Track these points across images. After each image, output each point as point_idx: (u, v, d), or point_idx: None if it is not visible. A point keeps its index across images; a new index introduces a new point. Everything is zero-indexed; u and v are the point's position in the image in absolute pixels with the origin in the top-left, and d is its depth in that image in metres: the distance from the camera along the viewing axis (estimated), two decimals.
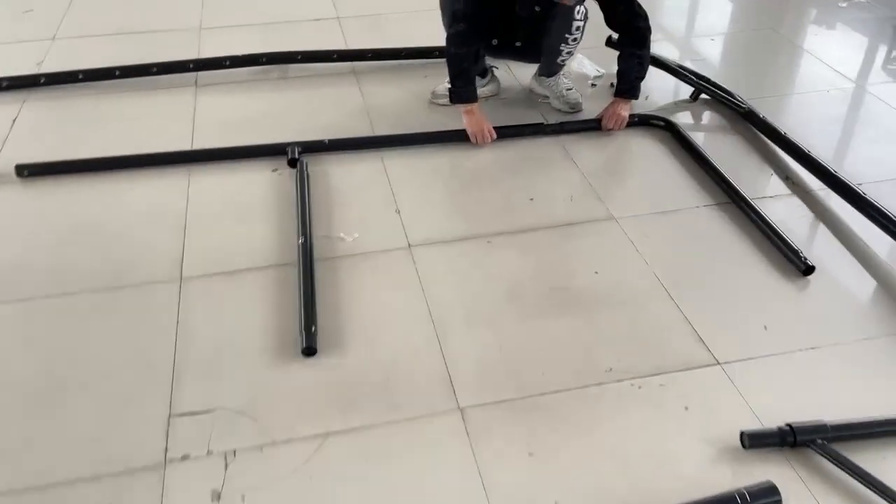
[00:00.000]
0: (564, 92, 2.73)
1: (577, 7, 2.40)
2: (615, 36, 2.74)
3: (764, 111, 2.65)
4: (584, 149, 2.54)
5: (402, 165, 2.45)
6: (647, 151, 2.54)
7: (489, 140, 2.53)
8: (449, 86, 2.57)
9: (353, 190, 2.34)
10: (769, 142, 2.54)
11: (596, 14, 2.52)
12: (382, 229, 2.16)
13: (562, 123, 2.63)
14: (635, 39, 2.53)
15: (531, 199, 2.29)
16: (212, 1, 3.68)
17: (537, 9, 2.41)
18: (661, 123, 2.64)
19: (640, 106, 2.71)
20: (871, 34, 3.39)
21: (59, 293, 1.94)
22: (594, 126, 2.63)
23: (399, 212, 2.24)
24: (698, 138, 2.56)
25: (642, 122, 2.66)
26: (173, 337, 1.80)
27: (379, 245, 2.10)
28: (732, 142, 2.59)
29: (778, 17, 3.61)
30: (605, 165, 2.49)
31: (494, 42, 2.58)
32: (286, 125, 2.66)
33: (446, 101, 2.73)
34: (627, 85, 2.58)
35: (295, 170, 2.38)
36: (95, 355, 1.76)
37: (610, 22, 2.53)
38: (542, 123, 2.63)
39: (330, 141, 2.53)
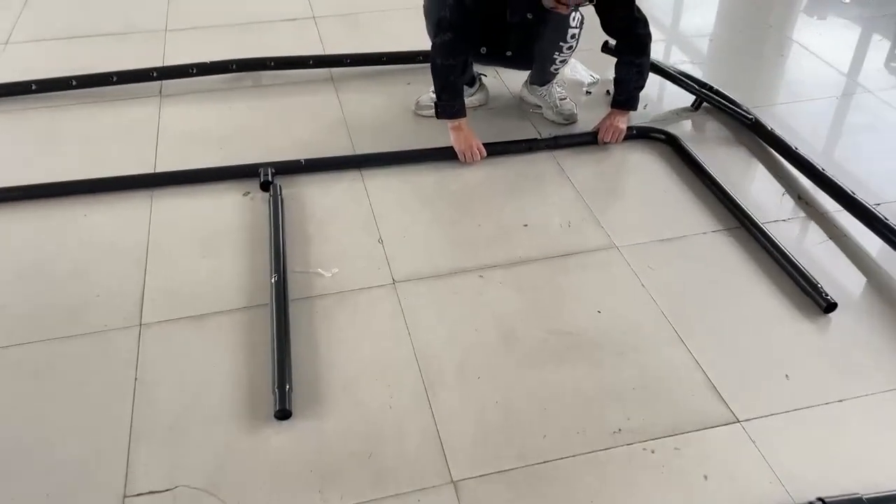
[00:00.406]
0: (558, 102, 2.55)
1: (573, 13, 2.21)
2: (612, 41, 2.55)
3: (771, 120, 2.48)
4: (580, 165, 2.36)
5: (385, 187, 2.26)
6: (648, 168, 2.36)
7: (479, 158, 2.35)
8: (434, 98, 2.37)
9: (332, 216, 2.15)
10: (778, 156, 2.36)
11: (592, 16, 2.32)
12: (364, 263, 1.97)
13: (556, 138, 2.45)
14: (634, 47, 2.34)
15: (525, 226, 2.11)
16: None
17: (529, 16, 2.22)
18: (662, 137, 2.46)
19: (639, 116, 2.53)
20: (881, 32, 3.21)
21: None
22: (590, 140, 2.45)
23: (382, 241, 2.05)
24: (702, 152, 2.37)
25: (641, 134, 2.48)
26: (130, 397, 1.61)
27: (361, 281, 1.91)
28: (738, 156, 2.41)
29: (779, 14, 3.44)
30: (604, 184, 2.31)
31: (483, 51, 2.39)
32: (259, 141, 2.46)
33: (431, 112, 2.53)
34: (625, 95, 2.40)
35: (268, 193, 2.17)
36: (39, 421, 1.56)
37: (607, 28, 2.34)
38: (535, 139, 2.45)
39: (306, 161, 2.33)
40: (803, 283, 1.86)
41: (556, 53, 2.35)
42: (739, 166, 2.36)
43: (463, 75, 2.33)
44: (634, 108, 2.43)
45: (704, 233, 2.08)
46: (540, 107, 2.60)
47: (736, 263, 1.97)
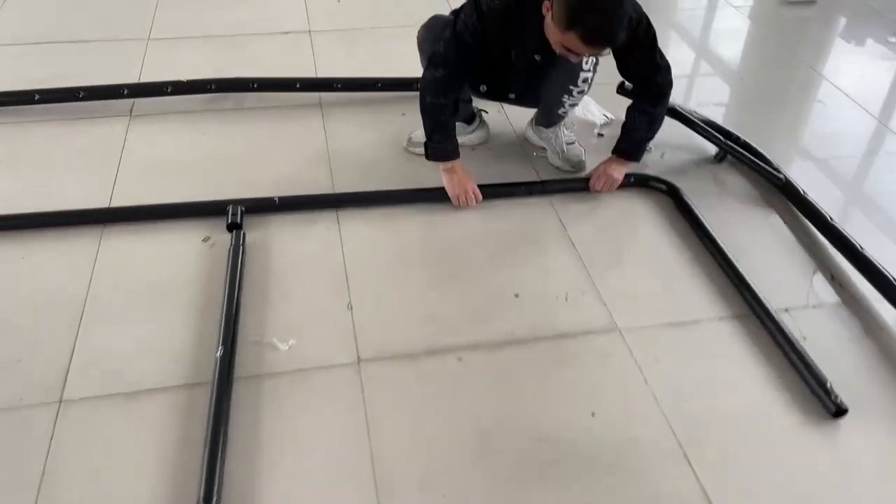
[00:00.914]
0: (565, 146, 2.28)
1: (586, 57, 1.95)
2: (629, 83, 2.28)
3: (805, 176, 2.22)
4: (580, 217, 2.12)
5: (363, 235, 2.01)
6: (653, 224, 2.10)
7: (473, 203, 2.09)
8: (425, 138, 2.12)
9: (300, 269, 1.90)
10: (811, 226, 2.09)
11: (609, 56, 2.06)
12: (328, 333, 1.73)
13: (543, 183, 2.22)
14: (651, 95, 2.08)
15: (516, 296, 1.86)
16: (167, 3, 3.21)
17: (537, 57, 1.96)
18: (663, 188, 2.21)
19: (653, 164, 2.26)
20: None
21: None
22: (582, 187, 2.20)
23: (351, 307, 1.80)
24: (719, 213, 2.12)
25: (640, 182, 2.23)
26: (33, 498, 1.37)
27: (320, 358, 1.67)
28: (765, 221, 2.14)
29: (818, 52, 3.15)
30: (605, 243, 2.05)
31: (483, 89, 2.13)
32: (232, 173, 2.22)
33: (423, 150, 2.28)
34: (630, 145, 2.14)
35: (231, 237, 1.93)
36: None
37: (624, 72, 2.08)
38: (521, 183, 2.21)
39: (280, 199, 2.08)
40: (815, 385, 1.61)
41: (566, 97, 2.09)
42: (765, 233, 2.09)
43: (455, 115, 2.08)
44: (637, 159, 2.17)
45: (720, 318, 1.81)
46: (545, 150, 2.34)
47: (751, 361, 1.71)
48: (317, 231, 2.03)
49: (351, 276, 1.89)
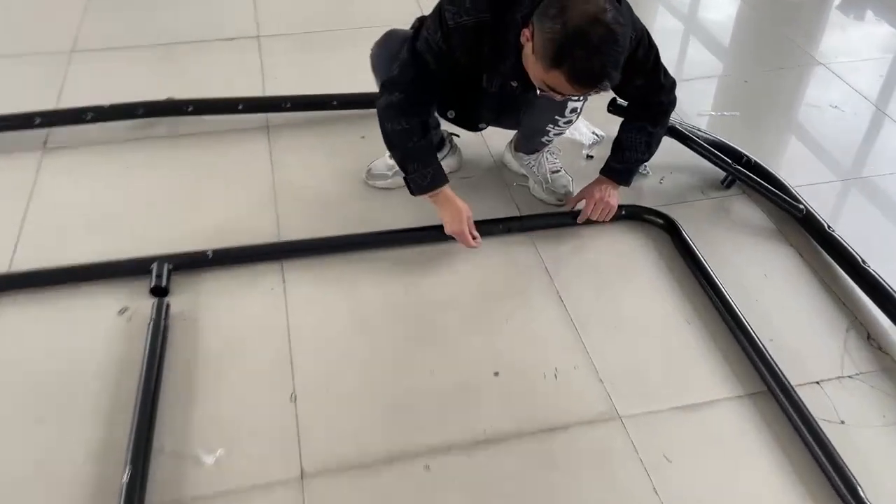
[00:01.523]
0: (549, 175, 1.96)
1: None
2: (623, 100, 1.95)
3: (828, 208, 1.91)
4: (566, 261, 1.82)
5: (314, 296, 1.70)
6: (649, 270, 1.80)
7: (475, 246, 1.78)
8: (400, 171, 1.80)
9: (234, 349, 1.58)
10: (839, 269, 1.79)
11: None
12: (265, 437, 1.42)
13: (522, 219, 1.91)
14: (652, 115, 1.76)
15: (496, 374, 1.55)
16: (97, 4, 2.84)
17: (514, 84, 1.62)
18: (660, 222, 1.90)
19: (651, 191, 1.95)
20: None
21: None
22: (568, 222, 1.89)
23: (295, 397, 1.49)
24: (727, 250, 1.82)
25: (632, 215, 1.92)
26: None
27: (254, 474, 1.36)
28: (781, 262, 1.84)
29: (830, 47, 2.82)
30: (597, 297, 1.74)
31: (451, 115, 1.80)
32: (159, 218, 1.90)
33: (386, 183, 1.97)
34: (623, 165, 1.83)
35: (152, 309, 1.61)
36: None
37: (622, 95, 1.76)
38: (508, 219, 1.90)
39: (215, 253, 1.76)
40: (844, 491, 1.31)
41: (550, 127, 1.78)
42: (783, 278, 1.79)
43: (427, 135, 1.74)
44: (628, 183, 1.86)
45: (737, 397, 1.51)
46: (527, 178, 2.02)
47: (773, 458, 1.41)
48: (258, 292, 1.70)
49: (297, 353, 1.57)
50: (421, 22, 1.64)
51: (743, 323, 1.61)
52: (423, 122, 1.71)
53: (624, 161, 1.82)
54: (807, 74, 2.62)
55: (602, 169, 1.87)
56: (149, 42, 2.62)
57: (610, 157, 1.85)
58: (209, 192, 1.99)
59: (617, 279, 1.78)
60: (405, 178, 1.75)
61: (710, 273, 1.73)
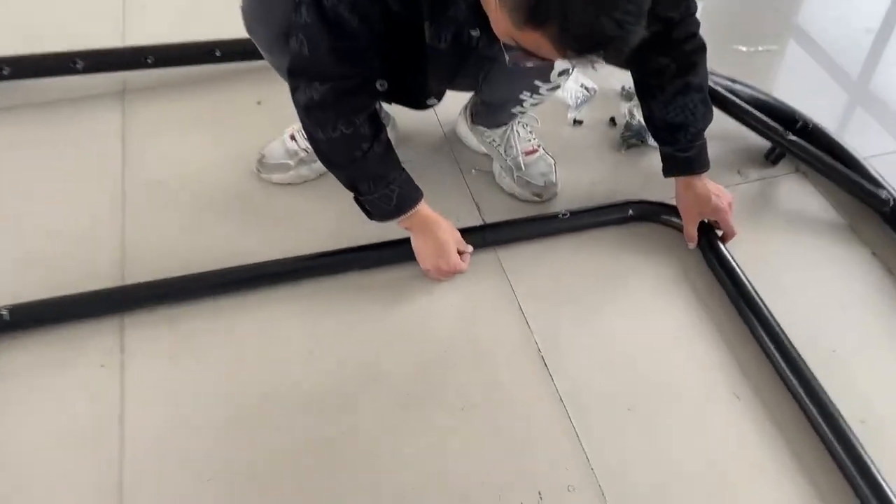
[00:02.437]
0: (521, 159, 1.35)
1: None
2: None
3: None
4: (549, 296, 1.23)
5: (169, 377, 1.11)
6: (672, 301, 1.23)
7: (464, 270, 1.23)
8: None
9: (31, 475, 0.99)
10: None
11: None
12: None
13: (485, 229, 1.31)
14: (686, 58, 1.16)
15: None
16: None
17: (474, 34, 1.00)
18: (681, 224, 1.30)
19: (662, 185, 1.34)
20: None
21: None
22: (555, 229, 1.31)
23: None
24: (778, 264, 1.25)
25: (642, 216, 1.33)
26: None
27: None
28: (859, 284, 1.26)
29: None
30: (599, 365, 1.16)
31: (382, 86, 1.16)
32: None
33: (285, 177, 1.38)
34: (696, 146, 1.21)
35: None
36: None
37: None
38: (465, 231, 1.27)
39: (15, 310, 1.15)
40: None
41: (527, 95, 1.15)
42: (867, 309, 1.22)
43: (381, 134, 1.11)
44: (709, 164, 1.24)
45: None
46: (490, 160, 1.41)
47: None
48: (76, 374, 1.11)
49: (131, 484, 0.99)
50: None
51: (821, 399, 1.05)
52: (370, 116, 1.09)
53: (689, 138, 1.20)
54: None
55: (668, 169, 1.26)
56: None
57: (667, 148, 1.24)
58: (19, 201, 1.36)
59: (620, 320, 1.20)
60: (357, 202, 1.16)
61: (762, 310, 1.16)
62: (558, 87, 1.12)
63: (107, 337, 1.15)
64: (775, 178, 1.43)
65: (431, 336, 1.17)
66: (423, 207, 1.17)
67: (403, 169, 1.15)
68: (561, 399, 1.09)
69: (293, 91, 1.06)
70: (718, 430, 1.07)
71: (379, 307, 1.20)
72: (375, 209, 1.15)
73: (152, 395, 1.09)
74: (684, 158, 1.23)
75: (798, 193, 1.40)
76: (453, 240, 1.20)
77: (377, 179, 1.11)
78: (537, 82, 1.09)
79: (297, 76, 1.04)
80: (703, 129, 1.22)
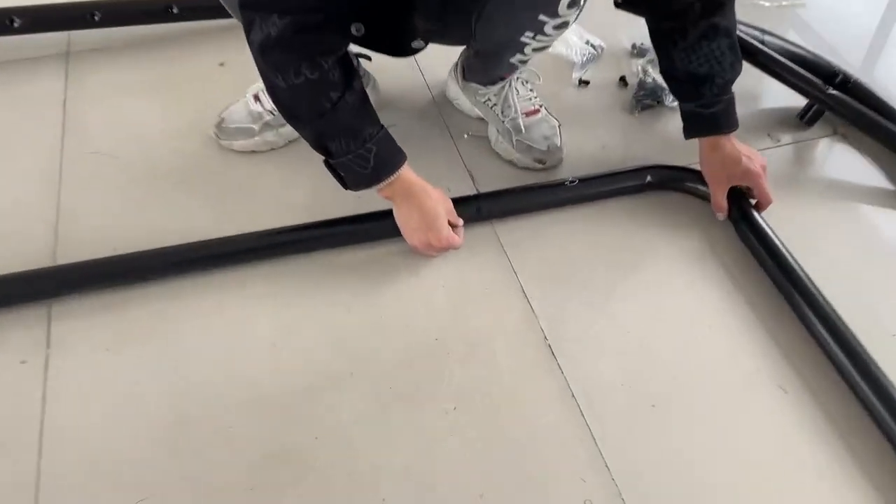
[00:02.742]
0: (522, 121, 1.17)
1: None
2: None
3: None
4: (557, 277, 1.04)
5: (100, 371, 0.93)
6: (702, 285, 1.05)
7: (458, 245, 1.04)
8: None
9: None
10: None
11: None
12: None
13: (479, 199, 1.12)
14: (708, 4, 0.97)
15: None
16: None
17: None
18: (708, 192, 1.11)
19: (680, 145, 1.15)
20: None
21: None
22: (562, 198, 1.13)
23: None
24: (819, 238, 1.07)
25: (663, 182, 1.14)
26: None
27: None
28: None
29: None
30: (617, 364, 0.98)
31: (358, 30, 0.98)
32: None
33: (251, 143, 1.18)
34: (723, 100, 1.04)
35: None
36: None
37: None
38: (457, 201, 1.08)
39: None
40: None
41: (529, 37, 0.97)
42: None
43: (351, 86, 0.92)
44: (737, 122, 1.07)
45: None
46: (486, 124, 1.23)
47: None
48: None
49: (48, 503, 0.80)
50: None
51: (886, 390, 0.87)
52: (341, 59, 0.90)
53: (715, 90, 1.03)
54: None
55: (691, 128, 1.09)
56: None
57: (690, 103, 1.06)
58: None
59: (645, 305, 1.02)
60: (327, 165, 0.98)
61: (810, 289, 0.98)
62: (566, 24, 0.93)
63: (32, 328, 0.96)
64: (811, 142, 1.25)
65: (419, 323, 0.98)
66: (407, 172, 0.99)
67: (382, 126, 0.97)
68: (573, 395, 0.91)
69: (247, 29, 0.88)
70: (762, 429, 0.89)
71: (356, 290, 1.02)
72: (350, 175, 0.97)
73: (80, 397, 0.90)
74: (710, 115, 1.06)
75: (839, 158, 1.23)
76: (444, 210, 1.02)
77: (350, 136, 0.93)
78: (542, 17, 0.90)
79: (250, 8, 0.86)
80: (732, 81, 1.05)
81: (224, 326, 0.97)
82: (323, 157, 0.97)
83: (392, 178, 0.97)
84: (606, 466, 0.85)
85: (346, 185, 0.99)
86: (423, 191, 1.00)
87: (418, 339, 0.97)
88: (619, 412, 0.90)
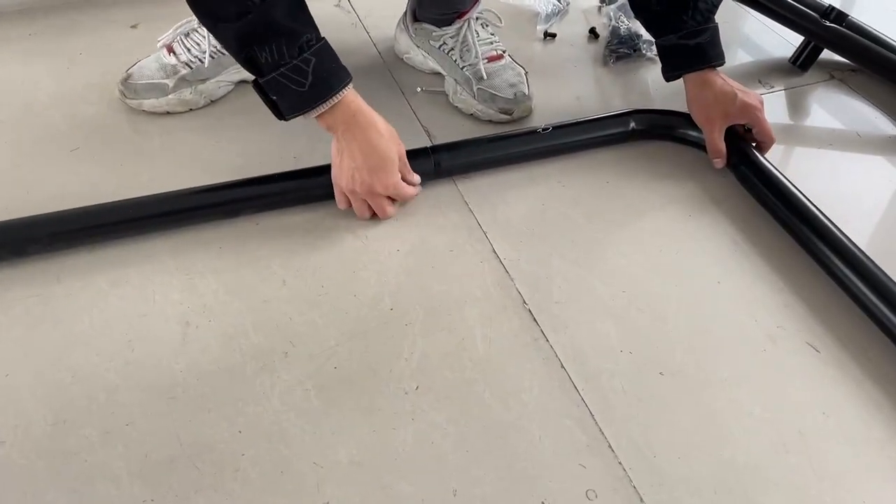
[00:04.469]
0: (483, 67, 1.00)
1: None
2: None
3: None
4: (533, 237, 0.87)
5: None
6: (695, 245, 0.88)
7: (407, 195, 0.88)
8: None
9: None
10: None
11: None
12: None
13: (435, 151, 0.93)
14: None
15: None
16: None
17: None
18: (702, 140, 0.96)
19: (665, 90, 1.00)
20: None
21: None
22: (530, 149, 0.97)
23: None
24: (828, 185, 0.94)
25: (648, 131, 0.99)
26: None
27: None
28: None
29: None
30: (602, 327, 0.81)
31: None
32: None
33: (163, 102, 0.99)
34: (707, 30, 0.91)
35: None
36: None
37: None
38: (413, 152, 0.91)
39: None
40: None
41: None
42: None
43: None
44: (723, 56, 0.93)
45: None
46: (441, 77, 1.06)
47: None
48: None
49: None
50: None
51: None
52: None
53: (701, 20, 0.90)
54: None
55: (673, 65, 0.95)
56: None
57: (670, 35, 0.92)
58: None
59: (641, 260, 0.86)
60: (257, 87, 0.79)
61: (835, 234, 0.82)
62: None
63: None
64: (806, 87, 1.12)
65: (369, 292, 0.80)
66: (354, 96, 0.82)
67: (324, 37, 0.79)
68: (562, 366, 0.74)
69: None
70: (794, 395, 0.73)
71: (291, 259, 0.83)
72: (283, 95, 0.78)
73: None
74: (695, 46, 0.91)
75: (838, 102, 1.09)
76: (396, 153, 0.85)
77: (283, 41, 0.75)
78: None
79: None
80: (716, 6, 0.91)
81: (125, 307, 0.77)
82: (253, 81, 0.79)
83: (335, 99, 0.79)
84: (610, 447, 0.67)
85: (280, 115, 0.80)
86: (371, 124, 0.82)
87: (369, 309, 0.78)
88: (620, 383, 0.72)
